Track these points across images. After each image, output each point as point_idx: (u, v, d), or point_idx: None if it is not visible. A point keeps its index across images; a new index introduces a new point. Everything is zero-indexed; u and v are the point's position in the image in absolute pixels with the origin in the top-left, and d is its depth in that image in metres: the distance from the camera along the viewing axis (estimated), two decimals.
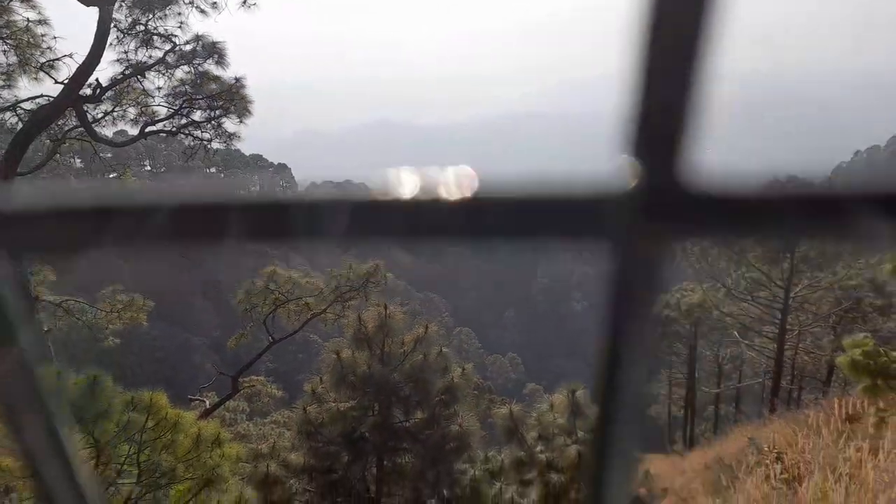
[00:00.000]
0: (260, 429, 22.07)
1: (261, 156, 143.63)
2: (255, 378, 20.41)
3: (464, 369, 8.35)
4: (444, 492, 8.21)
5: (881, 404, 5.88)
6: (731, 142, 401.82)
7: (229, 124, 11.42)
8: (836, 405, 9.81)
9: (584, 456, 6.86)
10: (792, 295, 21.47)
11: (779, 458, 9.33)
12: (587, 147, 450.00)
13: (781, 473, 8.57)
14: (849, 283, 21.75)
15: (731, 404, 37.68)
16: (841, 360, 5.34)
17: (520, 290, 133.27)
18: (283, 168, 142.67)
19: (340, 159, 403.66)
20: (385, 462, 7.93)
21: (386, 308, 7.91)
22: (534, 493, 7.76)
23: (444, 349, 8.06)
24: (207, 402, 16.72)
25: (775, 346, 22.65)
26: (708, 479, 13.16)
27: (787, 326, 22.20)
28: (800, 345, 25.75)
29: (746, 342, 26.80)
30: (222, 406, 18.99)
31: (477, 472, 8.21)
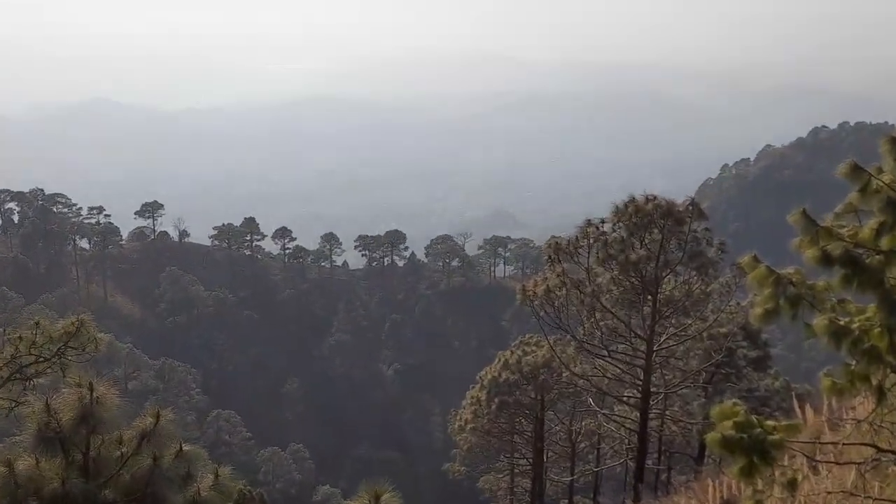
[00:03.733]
0: None
1: None
2: None
3: (217, 475, 7.94)
4: None
5: (758, 485, 6.56)
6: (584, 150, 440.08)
7: None
8: (709, 489, 10.88)
9: None
10: (655, 347, 23.64)
11: None
12: (381, 135, 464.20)
13: None
14: (719, 330, 24.50)
15: (588, 494, 40.27)
16: (709, 437, 5.87)
17: (306, 349, 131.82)
18: None
19: (27, 153, 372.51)
20: None
21: (92, 388, 7.28)
22: None
23: (185, 447, 7.60)
24: None
25: (638, 414, 24.71)
26: None
27: (652, 388, 24.37)
28: (667, 412, 28.40)
29: (604, 412, 28.92)
30: None
31: None
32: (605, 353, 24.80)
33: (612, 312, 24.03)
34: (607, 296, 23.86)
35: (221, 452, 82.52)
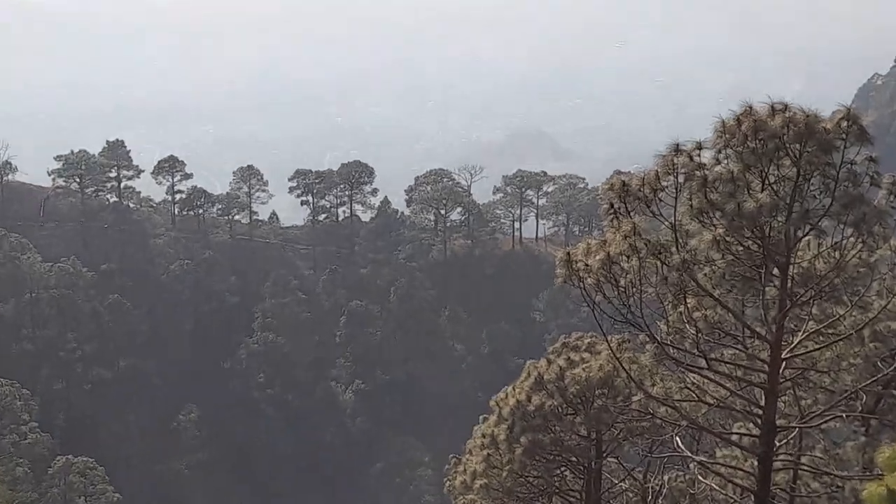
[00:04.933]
0: None
1: None
2: None
3: None
4: None
5: None
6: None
7: None
8: None
9: None
10: (785, 354, 23.66)
11: None
12: None
13: None
14: (890, 325, 24.51)
15: None
16: (868, 491, 5.86)
17: (211, 358, 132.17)
18: None
19: None
20: None
21: None
22: None
23: None
24: None
25: (756, 462, 24.81)
26: None
27: (779, 420, 24.44)
28: (803, 458, 28.53)
29: (700, 457, 29.04)
30: None
31: None
32: (703, 362, 24.85)
33: (713, 297, 24.05)
34: (707, 269, 23.84)
35: None
